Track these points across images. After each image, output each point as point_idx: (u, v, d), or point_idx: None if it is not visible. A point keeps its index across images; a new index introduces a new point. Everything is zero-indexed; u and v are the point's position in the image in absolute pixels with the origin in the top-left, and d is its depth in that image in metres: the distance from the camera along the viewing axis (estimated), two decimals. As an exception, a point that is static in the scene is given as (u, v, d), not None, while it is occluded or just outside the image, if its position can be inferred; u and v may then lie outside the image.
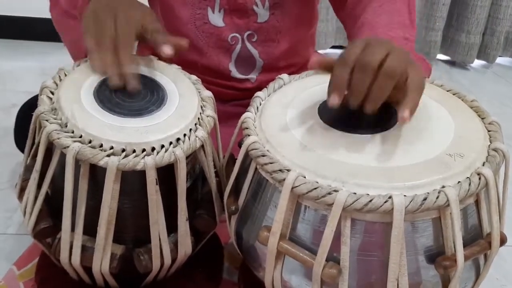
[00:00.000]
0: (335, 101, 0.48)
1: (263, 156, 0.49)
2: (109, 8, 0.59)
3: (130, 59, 0.57)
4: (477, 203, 0.49)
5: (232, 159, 0.61)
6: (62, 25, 0.75)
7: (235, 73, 0.85)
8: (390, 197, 0.44)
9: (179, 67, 0.65)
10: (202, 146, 0.57)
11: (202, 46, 0.82)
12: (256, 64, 0.85)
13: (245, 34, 0.82)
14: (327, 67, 0.52)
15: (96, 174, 0.53)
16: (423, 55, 1.57)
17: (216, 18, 0.80)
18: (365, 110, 0.48)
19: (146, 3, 0.87)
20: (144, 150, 0.52)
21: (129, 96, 0.57)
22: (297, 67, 0.89)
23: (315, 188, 0.45)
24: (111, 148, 0.51)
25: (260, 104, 0.58)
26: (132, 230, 0.58)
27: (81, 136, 0.51)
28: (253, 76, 0.86)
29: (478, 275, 0.52)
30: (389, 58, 0.47)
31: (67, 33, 0.75)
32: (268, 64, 0.85)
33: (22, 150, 0.65)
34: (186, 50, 0.62)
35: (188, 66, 0.66)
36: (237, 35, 0.81)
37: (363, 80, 0.47)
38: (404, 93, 0.48)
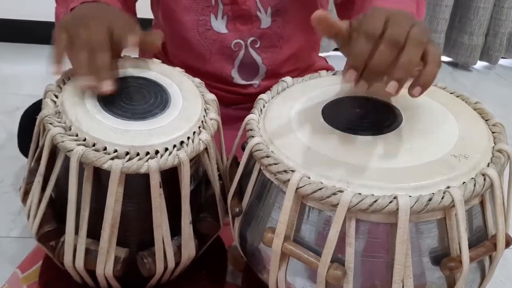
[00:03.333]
0: (352, 77, 0.45)
1: (267, 157, 0.49)
2: (82, 20, 0.57)
3: (107, 61, 0.54)
4: (482, 204, 0.49)
5: (235, 162, 0.61)
6: None
7: (238, 79, 0.84)
8: (395, 198, 0.43)
9: (183, 70, 0.65)
10: (206, 149, 0.57)
11: (205, 52, 0.82)
12: (259, 70, 0.84)
13: (249, 40, 0.81)
14: (330, 30, 0.49)
15: (100, 177, 0.53)
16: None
17: (219, 25, 0.80)
18: (389, 89, 0.45)
19: (149, 7, 0.88)
20: (148, 153, 0.52)
21: (133, 99, 0.57)
22: (300, 71, 0.89)
23: (319, 189, 0.45)
24: (115, 151, 0.51)
25: (264, 106, 0.58)
26: (135, 233, 0.58)
27: (85, 139, 0.52)
28: (256, 82, 0.86)
29: (483, 277, 0.52)
30: (415, 29, 0.46)
31: None
32: (271, 70, 0.85)
33: (25, 155, 0.65)
34: (158, 44, 0.58)
35: (191, 72, 0.66)
36: (240, 41, 0.81)
37: (389, 54, 0.44)
38: (423, 65, 0.47)
